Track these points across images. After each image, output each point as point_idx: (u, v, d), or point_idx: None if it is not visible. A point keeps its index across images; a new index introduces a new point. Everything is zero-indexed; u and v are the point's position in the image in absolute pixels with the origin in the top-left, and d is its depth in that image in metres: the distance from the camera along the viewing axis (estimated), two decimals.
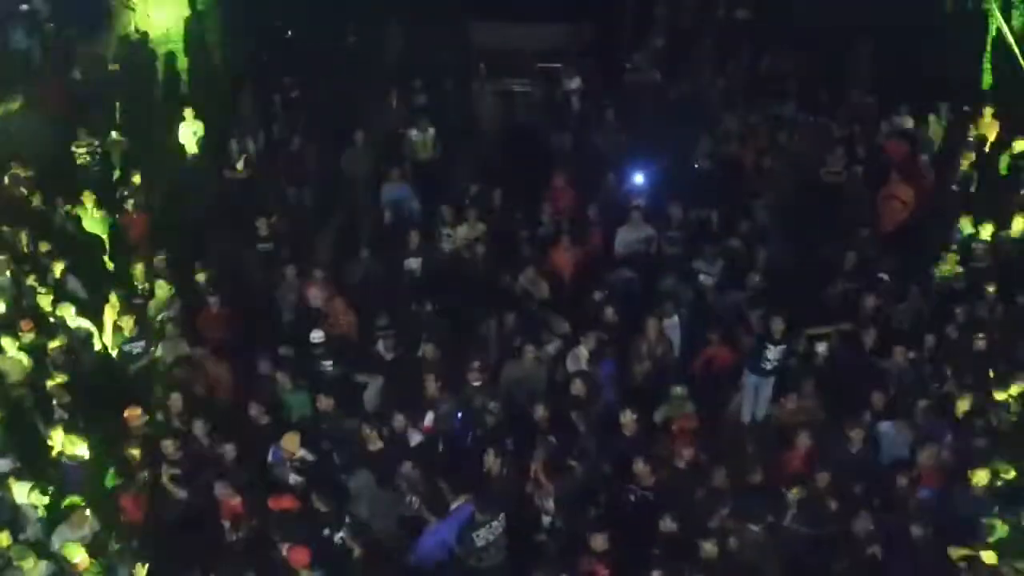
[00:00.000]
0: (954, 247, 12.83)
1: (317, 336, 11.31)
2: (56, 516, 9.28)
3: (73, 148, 14.98)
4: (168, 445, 9.94)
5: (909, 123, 15.48)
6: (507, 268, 12.85)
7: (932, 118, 15.51)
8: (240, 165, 15.03)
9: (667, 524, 8.94)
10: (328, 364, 11.31)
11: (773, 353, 10.62)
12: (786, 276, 12.53)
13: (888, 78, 16.30)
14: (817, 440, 10.03)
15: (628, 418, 10.00)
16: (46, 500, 9.39)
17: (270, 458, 10.04)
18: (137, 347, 11.68)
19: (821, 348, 11.02)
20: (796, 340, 10.88)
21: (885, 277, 12.34)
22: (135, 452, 9.83)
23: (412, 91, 16.43)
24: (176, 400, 10.64)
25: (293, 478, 9.66)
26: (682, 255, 13.00)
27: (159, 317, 12.15)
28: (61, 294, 12.22)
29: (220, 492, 9.39)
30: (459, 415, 10.52)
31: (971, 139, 14.87)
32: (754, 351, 10.84)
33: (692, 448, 9.69)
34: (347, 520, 9.19)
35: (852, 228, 13.35)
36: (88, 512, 9.18)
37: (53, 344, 11.13)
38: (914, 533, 8.82)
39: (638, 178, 14.27)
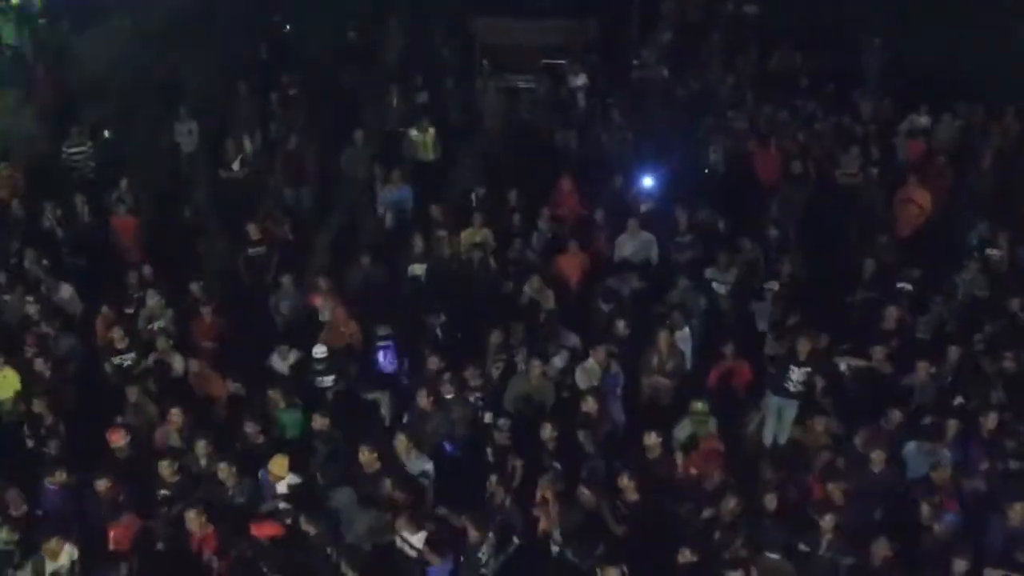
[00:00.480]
0: (975, 254, 12.13)
1: (320, 351, 10.59)
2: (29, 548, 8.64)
3: (64, 148, 14.27)
4: (164, 466, 9.30)
5: (927, 122, 14.81)
6: (513, 276, 12.17)
7: (947, 117, 14.84)
8: (237, 165, 14.33)
9: (686, 555, 8.32)
10: (330, 380, 10.62)
11: (798, 375, 9.90)
12: (804, 285, 11.84)
13: (902, 75, 15.60)
14: (841, 462, 9.37)
15: (653, 441, 9.32)
16: (16, 537, 8.70)
17: (259, 478, 9.39)
18: (127, 360, 10.99)
19: (843, 367, 10.32)
20: (822, 363, 10.13)
21: (908, 287, 11.62)
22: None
23: (413, 88, 15.73)
24: (176, 416, 9.96)
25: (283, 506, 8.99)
26: (692, 262, 12.28)
27: (150, 327, 11.45)
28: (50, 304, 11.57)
29: (191, 522, 8.67)
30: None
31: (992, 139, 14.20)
32: (778, 371, 10.14)
33: (720, 472, 9.04)
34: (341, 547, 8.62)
35: (869, 233, 12.65)
36: (64, 541, 8.56)
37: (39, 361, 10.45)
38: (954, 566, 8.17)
39: (647, 181, 13.54)
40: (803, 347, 9.88)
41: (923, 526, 8.76)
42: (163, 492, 9.28)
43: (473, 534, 8.42)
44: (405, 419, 10.17)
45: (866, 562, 8.40)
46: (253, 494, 9.27)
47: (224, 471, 9.22)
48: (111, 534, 8.83)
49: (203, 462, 9.44)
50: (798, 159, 13.90)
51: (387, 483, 8.94)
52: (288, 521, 8.88)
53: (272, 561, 8.40)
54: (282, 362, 10.90)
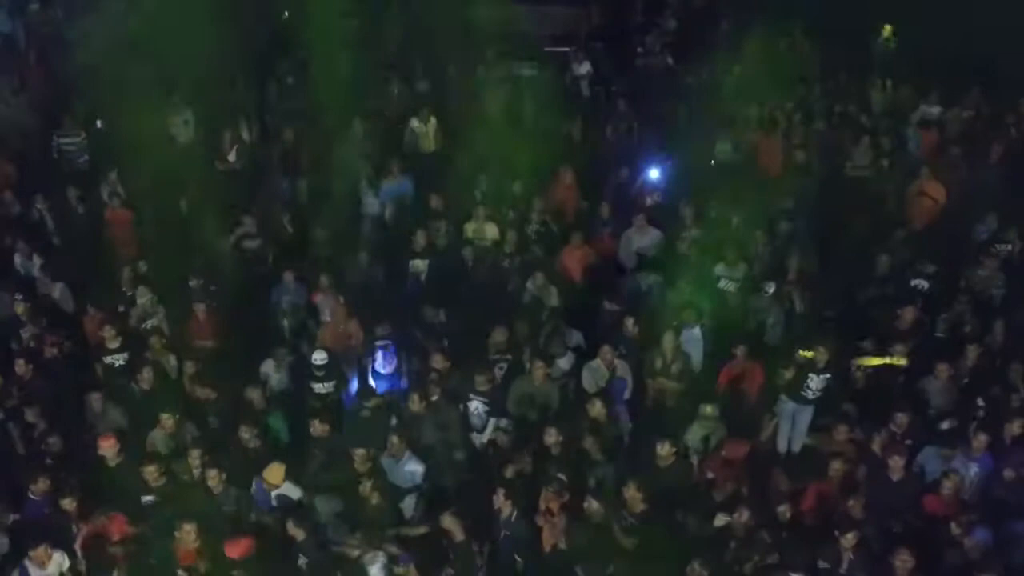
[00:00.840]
0: (992, 249, 11.57)
1: (320, 358, 10.03)
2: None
3: (56, 138, 13.66)
4: (150, 471, 8.83)
5: (937, 112, 14.25)
6: (513, 271, 11.63)
7: (956, 109, 14.26)
8: (233, 156, 13.73)
9: (696, 569, 7.85)
10: (330, 386, 10.08)
11: (816, 383, 9.38)
12: (816, 282, 11.29)
13: (913, 64, 14.99)
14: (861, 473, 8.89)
15: (667, 451, 8.83)
16: None
17: (252, 490, 8.92)
18: (119, 360, 10.47)
19: (855, 368, 9.79)
20: (842, 369, 9.55)
21: (923, 284, 11.07)
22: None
23: (414, 77, 15.10)
24: (167, 420, 9.48)
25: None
26: (701, 258, 11.71)
27: (143, 326, 10.93)
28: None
29: (185, 534, 8.25)
30: None
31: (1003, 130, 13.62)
32: (795, 377, 9.57)
33: (733, 481, 8.58)
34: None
35: (882, 227, 12.09)
36: (52, 550, 8.16)
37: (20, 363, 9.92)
38: None
39: (652, 172, 12.97)
40: (822, 356, 9.37)
41: (947, 540, 8.27)
42: (148, 498, 8.84)
43: (458, 534, 8.07)
44: (394, 421, 9.70)
45: None
46: (241, 503, 8.83)
47: (214, 478, 8.76)
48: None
49: (196, 472, 8.96)
50: (803, 149, 13.35)
51: (367, 486, 8.56)
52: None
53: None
54: (276, 370, 10.35)
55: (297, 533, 8.27)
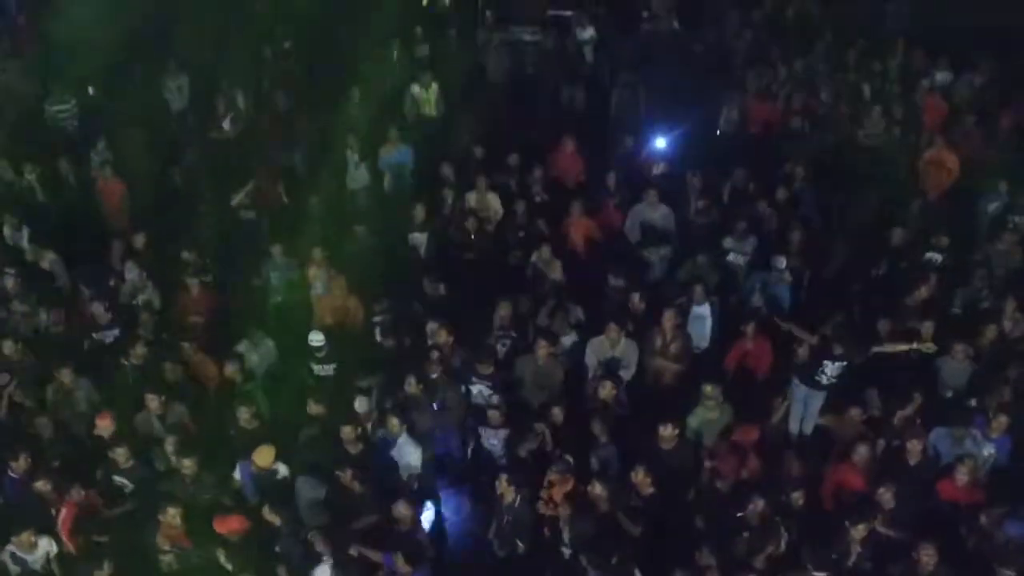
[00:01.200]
0: (1011, 224, 11.03)
1: (317, 339, 9.52)
2: None
3: (47, 105, 13.07)
4: (120, 452, 8.46)
5: (943, 78, 13.64)
6: (516, 244, 11.14)
7: (967, 75, 13.63)
8: (227, 124, 13.15)
9: (704, 557, 7.46)
10: (330, 368, 9.56)
11: (832, 369, 8.83)
12: (825, 257, 10.78)
13: (926, 27, 14.34)
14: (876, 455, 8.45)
15: (669, 432, 8.37)
16: None
17: (237, 474, 8.46)
18: (109, 336, 9.99)
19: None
20: (859, 357, 9.02)
21: (938, 258, 10.55)
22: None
23: (414, 41, 14.47)
24: (153, 400, 9.00)
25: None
26: (709, 231, 11.19)
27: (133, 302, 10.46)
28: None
29: (170, 518, 7.89)
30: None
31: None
32: (811, 363, 9.05)
33: (747, 466, 8.15)
34: None
35: (896, 199, 11.53)
36: (38, 534, 7.85)
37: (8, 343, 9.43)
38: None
39: (659, 141, 12.39)
40: (838, 349, 8.85)
41: (969, 529, 7.85)
42: (118, 479, 8.48)
43: (409, 522, 7.78)
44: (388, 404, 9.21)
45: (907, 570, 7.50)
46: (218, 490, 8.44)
47: (189, 466, 8.30)
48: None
49: (172, 459, 8.53)
50: (800, 116, 12.85)
51: (348, 473, 8.13)
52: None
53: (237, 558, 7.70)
54: (251, 350, 9.81)
55: (273, 519, 7.92)
